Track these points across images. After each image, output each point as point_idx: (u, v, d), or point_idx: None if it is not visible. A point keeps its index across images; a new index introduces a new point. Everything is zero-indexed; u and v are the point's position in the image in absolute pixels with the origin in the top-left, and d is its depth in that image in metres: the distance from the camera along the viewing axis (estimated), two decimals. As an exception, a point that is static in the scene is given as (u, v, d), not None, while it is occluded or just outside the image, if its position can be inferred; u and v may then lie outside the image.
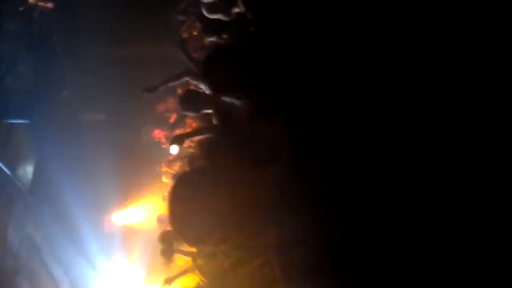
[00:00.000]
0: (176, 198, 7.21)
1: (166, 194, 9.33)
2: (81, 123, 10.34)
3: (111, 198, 10.20)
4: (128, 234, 10.33)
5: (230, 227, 6.74)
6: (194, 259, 8.20)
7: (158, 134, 9.43)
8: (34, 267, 9.90)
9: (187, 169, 7.53)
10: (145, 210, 10.11)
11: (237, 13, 6.26)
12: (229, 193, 6.54)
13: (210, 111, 6.38)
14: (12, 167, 9.91)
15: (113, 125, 10.15)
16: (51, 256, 10.19)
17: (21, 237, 9.86)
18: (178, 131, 7.92)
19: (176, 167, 8.77)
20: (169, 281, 8.10)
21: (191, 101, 6.52)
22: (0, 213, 9.65)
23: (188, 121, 8.05)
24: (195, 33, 7.71)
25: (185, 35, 7.79)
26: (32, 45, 9.74)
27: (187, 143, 7.54)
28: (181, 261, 8.79)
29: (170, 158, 8.44)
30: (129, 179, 9.93)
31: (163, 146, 9.11)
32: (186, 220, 7.27)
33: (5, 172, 9.69)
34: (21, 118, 10.03)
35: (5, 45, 9.47)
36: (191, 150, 8.09)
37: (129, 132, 9.99)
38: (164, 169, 8.94)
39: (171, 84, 7.33)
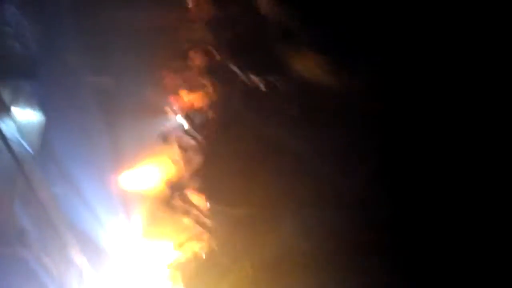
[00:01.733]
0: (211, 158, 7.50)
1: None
2: (87, 86, 10.31)
3: (118, 159, 10.32)
4: (136, 194, 10.50)
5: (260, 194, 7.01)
6: (205, 222, 8.49)
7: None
8: (42, 227, 10.04)
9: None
10: (153, 172, 10.27)
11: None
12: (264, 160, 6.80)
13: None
14: (19, 128, 9.91)
15: (120, 89, 10.17)
16: (59, 216, 10.34)
17: (28, 197, 9.96)
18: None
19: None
20: (180, 244, 8.30)
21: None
22: (7, 173, 9.71)
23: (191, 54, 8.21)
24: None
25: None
26: (39, 9, 9.63)
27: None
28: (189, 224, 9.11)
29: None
30: (136, 141, 10.05)
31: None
32: (220, 181, 7.59)
33: (12, 133, 9.69)
34: (27, 80, 9.98)
35: (11, 9, 9.35)
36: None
37: (136, 95, 10.04)
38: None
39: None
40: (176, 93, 9.49)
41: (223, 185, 7.82)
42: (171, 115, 9.71)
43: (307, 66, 6.17)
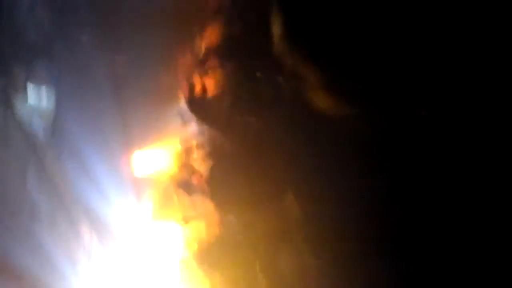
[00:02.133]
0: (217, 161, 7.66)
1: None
2: (100, 67, 10.43)
3: (130, 140, 10.49)
4: (146, 176, 10.69)
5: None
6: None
7: None
8: (53, 203, 10.22)
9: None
10: (165, 155, 10.45)
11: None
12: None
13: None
14: (31, 107, 10.03)
15: (133, 69, 10.30)
16: (69, 194, 10.52)
17: (40, 178, 10.11)
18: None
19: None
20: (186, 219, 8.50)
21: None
22: (20, 151, 9.84)
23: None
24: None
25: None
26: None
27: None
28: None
29: None
30: (151, 123, 10.21)
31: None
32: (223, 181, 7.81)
33: (24, 111, 9.81)
34: (39, 60, 10.07)
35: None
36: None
37: (149, 76, 10.19)
38: None
39: None
40: (189, 76, 9.66)
41: (230, 176, 7.97)
42: (183, 98, 9.87)
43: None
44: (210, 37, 9.01)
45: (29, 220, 9.91)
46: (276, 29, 6.92)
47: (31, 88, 10.23)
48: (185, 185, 9.90)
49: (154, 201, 10.68)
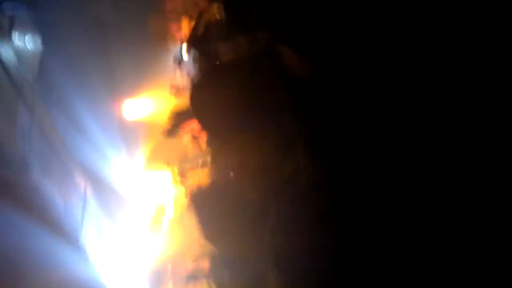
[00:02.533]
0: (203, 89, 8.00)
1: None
2: (87, 13, 10.61)
3: (119, 88, 10.77)
4: (138, 124, 10.98)
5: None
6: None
7: None
8: (45, 152, 10.05)
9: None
10: (155, 101, 10.90)
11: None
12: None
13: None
14: (18, 54, 9.90)
15: (120, 15, 10.66)
16: (61, 143, 10.40)
17: (30, 122, 9.91)
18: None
19: None
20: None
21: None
22: (8, 98, 9.64)
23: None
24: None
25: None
26: None
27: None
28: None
29: None
30: (140, 69, 10.63)
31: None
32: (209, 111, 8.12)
33: (11, 60, 9.70)
34: (25, 6, 10.01)
35: None
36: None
37: (137, 22, 10.62)
38: None
39: None
40: (178, 20, 10.26)
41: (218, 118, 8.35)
42: (172, 43, 10.44)
43: None
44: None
45: (21, 170, 9.56)
46: None
47: (16, 34, 10.02)
48: (176, 132, 10.16)
49: (147, 151, 10.95)
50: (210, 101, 8.21)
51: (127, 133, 11.00)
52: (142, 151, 11.07)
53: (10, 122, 9.44)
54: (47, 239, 9.85)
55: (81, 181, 10.73)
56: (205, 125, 8.36)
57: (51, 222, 9.90)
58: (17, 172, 9.47)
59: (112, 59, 10.52)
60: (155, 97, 10.87)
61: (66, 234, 10.18)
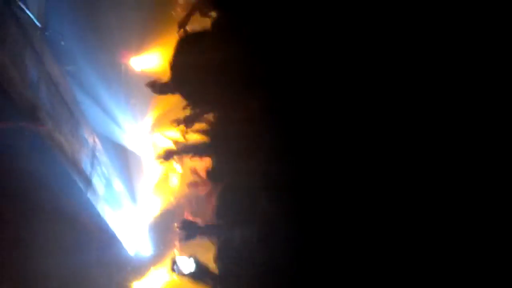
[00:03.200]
0: (180, 50, 7.63)
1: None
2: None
3: (128, 42, 10.58)
4: (144, 78, 10.82)
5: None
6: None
7: None
8: (54, 103, 9.84)
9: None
10: (162, 56, 10.75)
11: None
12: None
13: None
14: (26, 3, 9.61)
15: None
16: (70, 95, 10.18)
17: (39, 72, 9.67)
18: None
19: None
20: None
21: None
22: (17, 46, 9.38)
23: None
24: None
25: None
26: None
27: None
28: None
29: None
30: (147, 24, 10.47)
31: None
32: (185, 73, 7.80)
33: (20, 6, 9.43)
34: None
35: None
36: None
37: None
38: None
39: None
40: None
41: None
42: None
43: None
44: None
45: (30, 119, 9.33)
46: None
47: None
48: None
49: (152, 105, 10.82)
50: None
51: (136, 89, 10.83)
52: (151, 108, 10.93)
53: (19, 71, 9.18)
54: (54, 191, 9.68)
55: (89, 136, 10.54)
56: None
57: (59, 174, 9.73)
58: (26, 121, 9.25)
59: (121, 10, 10.27)
60: (164, 51, 10.67)
61: (73, 189, 10.01)
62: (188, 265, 5.26)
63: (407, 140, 4.35)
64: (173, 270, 5.34)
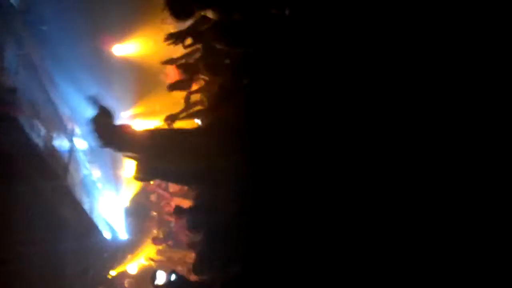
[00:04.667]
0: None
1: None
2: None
3: (109, 28, 10.42)
4: (126, 66, 10.71)
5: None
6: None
7: None
8: (33, 88, 9.70)
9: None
10: (143, 44, 10.63)
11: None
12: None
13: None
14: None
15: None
16: (49, 80, 10.02)
17: (19, 56, 9.51)
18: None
19: None
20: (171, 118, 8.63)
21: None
22: None
23: None
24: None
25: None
26: None
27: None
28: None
29: None
30: (129, 11, 10.32)
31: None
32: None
33: None
34: None
35: None
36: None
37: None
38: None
39: None
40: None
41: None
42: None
43: None
44: None
45: (9, 103, 9.16)
46: None
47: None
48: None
49: (136, 95, 10.70)
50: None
51: (117, 77, 10.70)
52: (132, 98, 10.81)
53: (-2, 53, 9.02)
54: (32, 178, 9.57)
55: (68, 122, 10.41)
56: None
57: (36, 160, 9.61)
58: (4, 106, 9.10)
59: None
60: (146, 39, 10.54)
61: (51, 175, 9.90)
62: (166, 278, 5.26)
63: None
64: (152, 283, 5.31)
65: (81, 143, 10.77)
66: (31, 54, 9.67)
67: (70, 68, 10.14)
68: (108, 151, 10.99)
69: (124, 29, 10.55)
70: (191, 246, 6.71)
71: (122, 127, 4.00)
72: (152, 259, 12.09)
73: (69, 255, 10.54)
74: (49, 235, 9.89)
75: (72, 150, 10.28)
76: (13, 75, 9.31)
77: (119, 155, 11.12)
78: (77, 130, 10.56)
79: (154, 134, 4.35)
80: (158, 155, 4.67)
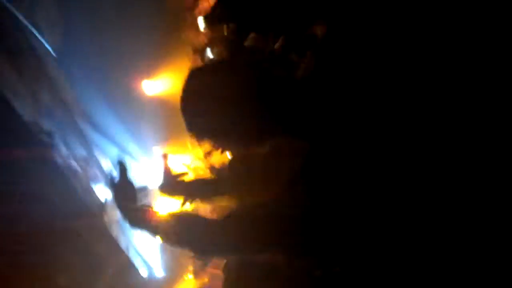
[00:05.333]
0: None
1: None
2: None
3: (142, 65, 10.65)
4: (158, 102, 10.89)
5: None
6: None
7: None
8: (68, 129, 9.89)
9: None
10: (172, 81, 10.81)
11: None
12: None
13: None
14: (40, 27, 9.72)
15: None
16: (84, 119, 10.23)
17: (53, 98, 9.74)
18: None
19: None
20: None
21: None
22: (33, 76, 9.46)
23: None
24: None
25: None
26: None
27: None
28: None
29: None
30: (160, 47, 10.54)
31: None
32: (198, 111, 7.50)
33: (34, 32, 9.54)
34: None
35: None
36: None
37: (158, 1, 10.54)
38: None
39: None
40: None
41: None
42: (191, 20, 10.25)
43: None
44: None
45: (45, 145, 9.35)
46: None
47: (39, 6, 9.80)
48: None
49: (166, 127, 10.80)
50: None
51: (148, 114, 10.89)
52: (163, 134, 10.95)
53: (35, 99, 9.28)
54: (70, 218, 9.72)
55: (104, 162, 10.57)
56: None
57: (74, 200, 9.77)
58: (41, 148, 9.32)
59: (134, 34, 10.32)
60: (175, 76, 10.71)
61: (88, 214, 10.04)
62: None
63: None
64: None
65: (116, 176, 10.88)
66: (65, 96, 9.90)
67: (102, 108, 10.35)
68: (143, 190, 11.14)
69: (153, 66, 10.77)
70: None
71: (143, 212, 3.67)
72: None
73: (108, 293, 10.58)
74: (87, 274, 9.96)
75: (107, 189, 10.38)
76: (49, 118, 9.53)
77: (154, 192, 11.26)
78: (113, 170, 10.69)
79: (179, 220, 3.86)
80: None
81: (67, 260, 9.83)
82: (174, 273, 12.99)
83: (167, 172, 4.66)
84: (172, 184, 4.60)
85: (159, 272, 13.09)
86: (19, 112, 8.69)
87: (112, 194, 3.73)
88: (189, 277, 12.24)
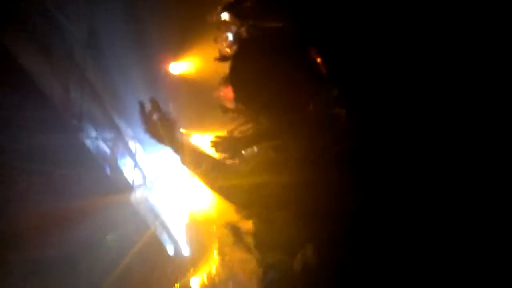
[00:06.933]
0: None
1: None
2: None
3: (167, 48, 10.93)
4: (184, 84, 11.18)
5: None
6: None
7: None
8: (97, 114, 10.30)
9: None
10: (201, 61, 11.03)
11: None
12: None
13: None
14: (69, 17, 10.06)
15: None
16: (112, 106, 10.62)
17: (82, 85, 10.13)
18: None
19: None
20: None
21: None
22: (60, 62, 9.83)
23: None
24: None
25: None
26: None
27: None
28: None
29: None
30: (185, 29, 10.76)
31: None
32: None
33: (63, 22, 9.86)
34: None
35: None
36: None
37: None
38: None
39: None
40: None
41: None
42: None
43: None
44: None
45: (76, 129, 9.77)
46: None
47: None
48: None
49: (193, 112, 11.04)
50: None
51: (174, 95, 11.19)
52: (189, 115, 11.24)
53: (65, 86, 9.65)
54: (99, 197, 10.15)
55: (131, 143, 11.00)
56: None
57: (102, 181, 10.20)
58: (73, 134, 9.71)
59: (160, 18, 10.57)
60: (201, 57, 10.88)
61: (117, 194, 10.48)
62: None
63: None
64: None
65: (145, 163, 11.32)
66: (94, 81, 10.30)
67: (129, 90, 10.70)
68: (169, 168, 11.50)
69: (180, 47, 11.01)
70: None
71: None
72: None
73: (133, 271, 11.06)
74: (114, 252, 10.45)
75: (135, 169, 10.86)
76: (78, 103, 9.94)
77: (180, 172, 11.60)
78: (140, 151, 11.13)
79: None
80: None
81: (96, 237, 10.31)
82: (199, 251, 13.44)
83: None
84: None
85: (185, 250, 13.57)
86: (51, 100, 9.10)
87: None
88: (214, 255, 12.67)
